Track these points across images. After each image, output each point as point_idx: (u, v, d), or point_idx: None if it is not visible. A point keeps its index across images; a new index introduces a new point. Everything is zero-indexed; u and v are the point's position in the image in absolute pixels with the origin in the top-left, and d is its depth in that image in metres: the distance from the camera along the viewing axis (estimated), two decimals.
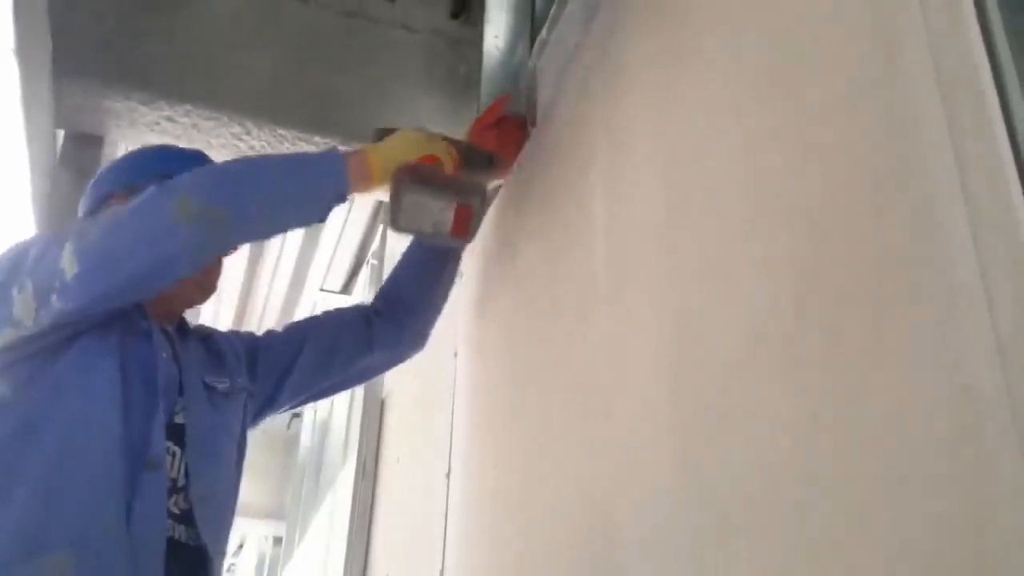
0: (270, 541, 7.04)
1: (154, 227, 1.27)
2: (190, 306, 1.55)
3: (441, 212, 1.50)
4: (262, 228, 1.45)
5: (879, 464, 0.69)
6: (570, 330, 1.36)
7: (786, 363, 0.83)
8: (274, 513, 6.37)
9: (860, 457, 0.71)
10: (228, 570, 9.30)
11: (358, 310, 1.76)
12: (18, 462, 1.21)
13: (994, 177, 0.63)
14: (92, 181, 1.56)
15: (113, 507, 1.21)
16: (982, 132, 0.65)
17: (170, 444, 1.33)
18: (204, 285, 1.52)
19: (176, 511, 1.32)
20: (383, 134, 1.54)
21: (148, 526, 1.24)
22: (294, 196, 1.38)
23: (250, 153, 2.55)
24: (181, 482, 1.34)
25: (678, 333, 1.04)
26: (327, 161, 1.41)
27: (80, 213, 1.53)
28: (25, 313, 1.24)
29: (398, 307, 1.73)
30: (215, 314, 5.17)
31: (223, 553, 1.38)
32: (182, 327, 1.52)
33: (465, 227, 1.54)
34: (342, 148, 1.45)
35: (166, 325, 1.45)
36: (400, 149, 1.47)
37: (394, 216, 1.48)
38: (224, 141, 2.50)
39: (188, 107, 2.41)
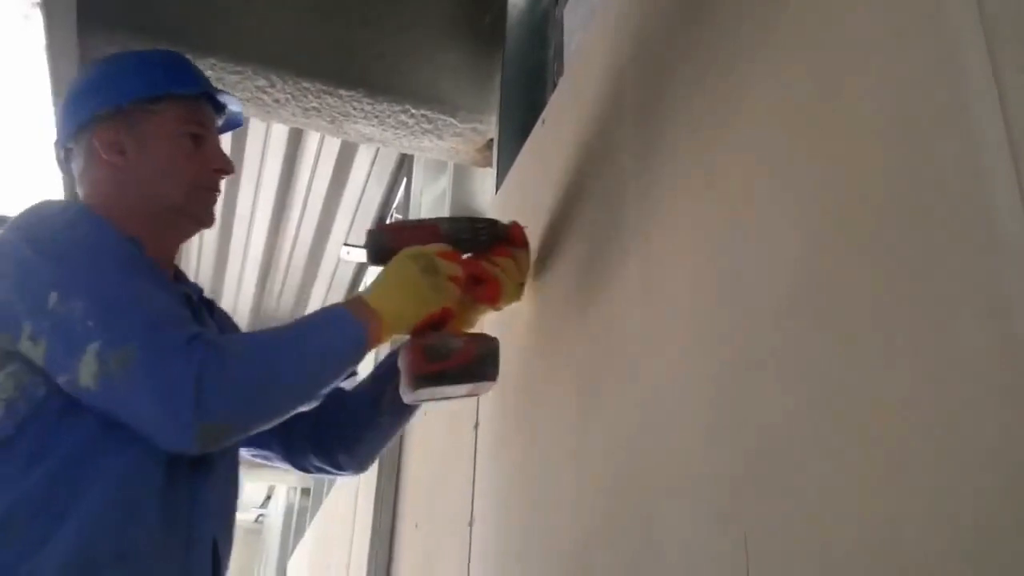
0: (298, 492, 7.15)
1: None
2: (186, 239, 1.49)
3: (458, 390, 1.42)
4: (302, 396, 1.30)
5: (923, 414, 0.69)
6: (601, 281, 1.36)
7: (827, 314, 0.82)
8: None
9: (903, 408, 0.71)
10: (257, 520, 9.45)
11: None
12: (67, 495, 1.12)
13: None
14: (69, 96, 1.46)
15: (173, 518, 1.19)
16: None
17: None
18: (202, 216, 1.43)
19: None
20: (378, 243, 1.44)
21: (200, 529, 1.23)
22: (320, 373, 1.29)
23: (275, 106, 2.55)
24: None
25: (715, 285, 1.03)
26: (349, 336, 1.30)
27: (59, 135, 1.45)
28: (71, 373, 1.12)
29: (347, 436, 1.57)
30: (240, 269, 5.20)
31: (230, 552, 1.37)
32: (204, 298, 1.45)
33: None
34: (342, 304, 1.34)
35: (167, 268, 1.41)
36: (409, 306, 1.35)
37: (406, 393, 1.40)
38: (249, 95, 2.49)
39: (213, 60, 2.41)
